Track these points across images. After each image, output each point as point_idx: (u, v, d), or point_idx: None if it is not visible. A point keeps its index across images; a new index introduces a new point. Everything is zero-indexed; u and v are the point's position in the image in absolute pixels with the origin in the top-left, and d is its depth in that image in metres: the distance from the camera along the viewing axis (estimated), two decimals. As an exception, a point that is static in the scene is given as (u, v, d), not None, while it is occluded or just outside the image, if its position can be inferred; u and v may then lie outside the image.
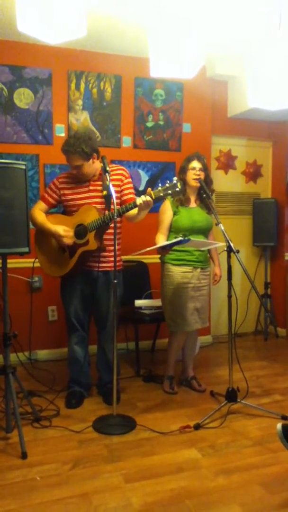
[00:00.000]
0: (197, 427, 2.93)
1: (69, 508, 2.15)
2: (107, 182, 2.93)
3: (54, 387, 3.50)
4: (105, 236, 3.15)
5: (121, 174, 3.27)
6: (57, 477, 2.40)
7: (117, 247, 3.15)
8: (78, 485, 2.33)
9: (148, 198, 2.90)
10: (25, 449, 2.57)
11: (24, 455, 2.56)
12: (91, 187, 3.22)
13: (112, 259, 2.98)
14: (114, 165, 3.38)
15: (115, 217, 2.90)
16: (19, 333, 2.85)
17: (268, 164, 5.45)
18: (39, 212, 3.27)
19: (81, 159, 3.10)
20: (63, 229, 3.12)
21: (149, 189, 2.95)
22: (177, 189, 2.88)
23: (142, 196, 2.92)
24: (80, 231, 3.12)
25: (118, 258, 3.22)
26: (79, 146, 3.06)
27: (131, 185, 3.33)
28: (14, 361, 2.93)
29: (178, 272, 3.40)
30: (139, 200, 2.92)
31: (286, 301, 5.22)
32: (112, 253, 2.98)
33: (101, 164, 3.15)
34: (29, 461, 2.54)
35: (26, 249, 2.70)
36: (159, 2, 2.78)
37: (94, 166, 3.18)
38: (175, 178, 2.92)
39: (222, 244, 3.32)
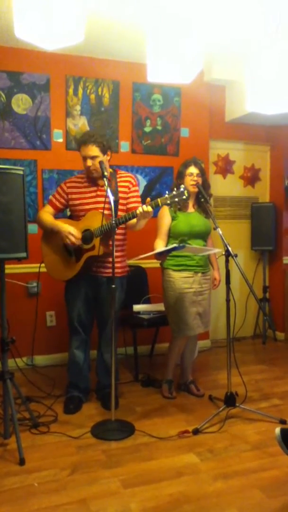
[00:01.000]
0: (196, 432, 2.93)
1: (67, 514, 2.14)
2: (105, 188, 2.96)
3: (52, 392, 3.49)
4: (111, 242, 3.15)
5: (129, 182, 3.30)
6: (55, 483, 2.40)
7: (122, 253, 3.21)
8: (76, 491, 2.32)
9: (149, 208, 2.91)
10: (23, 455, 2.57)
11: (22, 461, 2.55)
12: (99, 192, 3.23)
13: (117, 264, 3.04)
14: (123, 172, 3.41)
15: (115, 226, 2.91)
16: (17, 338, 2.85)
17: (266, 168, 5.46)
18: (47, 214, 3.30)
19: (98, 150, 3.14)
20: (73, 229, 3.13)
21: (148, 199, 2.96)
22: (184, 197, 2.89)
23: (143, 206, 2.93)
24: (87, 236, 3.13)
25: (121, 265, 3.25)
26: (99, 137, 3.15)
27: (137, 193, 3.34)
28: (12, 366, 2.92)
29: (179, 278, 3.40)
30: (139, 210, 2.93)
31: (284, 305, 5.22)
32: (117, 259, 3.07)
33: (111, 170, 3.20)
34: (27, 467, 2.53)
35: (24, 254, 2.70)
36: (158, 8, 2.79)
37: (106, 164, 3.20)
38: (182, 186, 2.92)
39: (218, 251, 3.32)
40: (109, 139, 3.26)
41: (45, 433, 2.93)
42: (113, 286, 2.91)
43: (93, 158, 3.14)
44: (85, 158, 3.16)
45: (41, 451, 2.72)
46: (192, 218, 3.46)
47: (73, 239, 3.11)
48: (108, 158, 3.21)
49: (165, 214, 3.44)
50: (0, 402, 2.93)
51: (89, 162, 3.14)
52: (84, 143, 3.15)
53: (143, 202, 2.99)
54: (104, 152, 3.17)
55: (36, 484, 2.38)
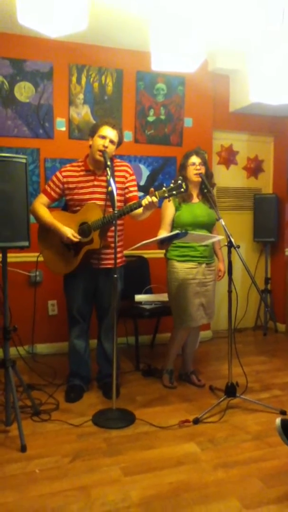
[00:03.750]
0: (196, 421, 2.94)
1: (68, 501, 2.16)
2: (108, 177, 2.92)
3: (53, 381, 3.51)
4: (108, 234, 3.15)
5: (125, 171, 3.27)
6: (56, 470, 2.42)
7: (119, 244, 3.16)
8: (77, 478, 2.34)
9: (154, 199, 2.89)
10: (24, 442, 2.59)
11: (23, 448, 2.57)
12: (95, 182, 3.21)
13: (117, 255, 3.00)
14: (118, 160, 3.37)
15: (117, 217, 2.90)
16: (19, 327, 2.86)
17: (270, 159, 5.44)
18: (43, 208, 3.23)
19: (117, 137, 3.16)
20: (71, 233, 3.10)
21: (152, 189, 2.94)
22: (182, 189, 2.87)
23: (148, 197, 2.91)
24: (84, 229, 3.11)
25: (120, 255, 3.24)
26: (120, 130, 3.20)
27: (135, 182, 3.32)
28: (14, 354, 2.93)
29: (182, 268, 3.40)
30: (145, 201, 2.91)
31: (286, 297, 5.22)
32: (117, 249, 3.01)
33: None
34: (28, 454, 2.55)
35: (26, 243, 2.70)
36: (161, -3, 2.76)
37: (113, 154, 3.21)
38: (180, 178, 2.90)
39: (222, 237, 3.31)
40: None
41: (46, 420, 2.94)
42: (115, 276, 2.91)
43: (111, 141, 3.12)
44: (103, 137, 3.11)
45: (43, 438, 2.74)
46: (196, 208, 3.45)
47: (72, 241, 3.11)
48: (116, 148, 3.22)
49: (169, 205, 3.43)
50: (2, 390, 2.95)
51: (106, 143, 3.11)
52: (112, 125, 3.14)
53: (142, 191, 2.97)
54: (120, 140, 3.20)
55: (37, 470, 2.40)
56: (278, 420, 2.27)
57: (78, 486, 2.27)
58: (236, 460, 2.53)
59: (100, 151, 3.08)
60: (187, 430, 2.86)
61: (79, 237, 3.10)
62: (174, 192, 2.89)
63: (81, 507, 2.11)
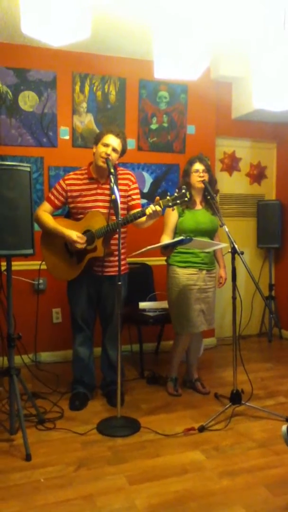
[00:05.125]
0: (202, 429, 2.93)
1: (73, 510, 2.15)
2: (112, 185, 2.93)
3: (58, 389, 3.50)
4: (111, 241, 3.15)
5: (128, 179, 3.28)
6: (61, 478, 2.41)
7: (122, 251, 3.16)
8: (82, 487, 2.33)
9: (158, 208, 2.90)
10: (29, 451, 2.58)
11: (28, 457, 2.56)
12: (99, 190, 3.22)
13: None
14: (121, 168, 3.38)
15: (121, 225, 2.90)
16: (23, 335, 2.86)
17: (273, 165, 5.44)
18: (46, 214, 3.24)
19: (121, 146, 3.17)
20: (76, 235, 3.09)
21: (157, 198, 2.95)
22: (186, 198, 2.88)
23: (152, 206, 2.92)
24: (88, 237, 3.12)
25: (123, 262, 3.24)
26: (124, 140, 3.21)
27: (138, 190, 3.33)
28: (18, 363, 2.93)
29: (183, 274, 3.40)
30: (149, 210, 2.92)
31: (290, 303, 5.21)
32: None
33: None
34: (33, 463, 2.54)
35: (30, 251, 2.71)
36: (163, 4, 2.78)
37: (116, 162, 3.22)
38: (184, 187, 2.91)
39: (226, 245, 3.32)
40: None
41: (51, 429, 2.94)
42: (119, 283, 2.91)
43: (114, 150, 3.13)
44: (106, 145, 3.12)
45: (47, 447, 2.73)
46: (198, 215, 3.46)
47: (79, 246, 3.09)
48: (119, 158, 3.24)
49: (172, 212, 3.43)
50: (6, 398, 2.94)
51: (109, 150, 3.11)
52: (116, 133, 3.16)
53: (146, 198, 2.97)
54: (123, 150, 3.21)
55: (42, 479, 2.39)
56: (284, 428, 2.25)
57: (83, 495, 2.26)
58: (241, 468, 2.51)
59: (102, 157, 3.10)
60: (192, 438, 2.85)
61: (84, 237, 3.10)
62: (178, 201, 2.90)
63: (86, 516, 2.11)
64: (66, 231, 3.12)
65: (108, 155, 3.10)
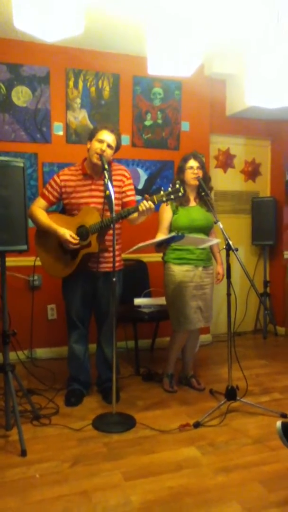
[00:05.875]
0: (197, 425, 2.93)
1: (69, 506, 2.14)
2: (106, 181, 2.92)
3: (53, 385, 3.50)
4: (106, 237, 3.14)
5: (123, 175, 3.27)
6: (57, 474, 2.40)
7: (117, 247, 3.15)
8: (78, 483, 2.32)
9: (151, 204, 2.90)
10: (24, 446, 2.57)
11: (23, 453, 2.55)
12: (93, 186, 3.21)
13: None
14: (115, 164, 3.37)
15: (115, 221, 2.89)
16: (18, 331, 2.85)
17: (267, 162, 5.45)
18: (41, 211, 3.23)
19: (115, 142, 3.16)
20: (69, 234, 3.08)
21: (147, 196, 2.95)
22: (180, 193, 2.88)
23: (144, 202, 2.92)
24: (82, 232, 3.11)
25: (118, 258, 3.23)
26: (119, 136, 3.20)
27: (132, 186, 3.32)
28: (13, 359, 2.92)
29: (179, 271, 3.40)
30: (141, 206, 2.92)
31: (285, 300, 5.22)
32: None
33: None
34: (28, 459, 2.53)
35: (24, 247, 2.69)
36: (158, 1, 2.78)
37: (110, 158, 3.21)
38: (178, 182, 2.91)
39: (219, 241, 3.32)
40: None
41: (46, 425, 2.93)
42: (114, 279, 2.91)
43: (109, 146, 3.12)
44: (101, 141, 3.11)
45: (43, 443, 2.72)
46: (193, 212, 3.46)
47: (71, 245, 3.08)
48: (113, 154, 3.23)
49: (166, 209, 3.43)
50: (2, 395, 2.93)
51: (104, 147, 3.11)
52: (110, 129, 3.15)
53: (140, 195, 2.97)
54: (118, 145, 3.20)
55: (37, 475, 2.39)
56: (278, 423, 2.26)
57: (79, 491, 2.26)
58: (237, 464, 2.51)
59: (97, 153, 3.09)
60: (188, 434, 2.85)
61: (77, 238, 3.09)
62: (172, 197, 2.90)
63: (82, 512, 2.10)
64: (59, 230, 3.11)
65: (103, 151, 3.09)
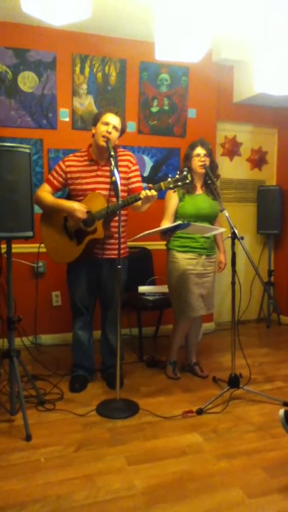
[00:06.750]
0: (200, 412, 2.95)
1: (74, 489, 2.17)
2: (112, 167, 2.91)
3: (58, 371, 3.53)
4: (112, 224, 3.14)
5: (128, 161, 3.25)
6: (61, 459, 2.43)
7: (123, 234, 3.15)
8: (82, 467, 2.36)
9: (153, 192, 2.90)
10: (29, 431, 2.60)
11: (28, 437, 2.59)
12: (99, 172, 3.20)
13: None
14: (121, 149, 3.35)
15: (120, 207, 2.88)
16: (23, 317, 2.87)
17: (273, 151, 5.41)
18: (46, 193, 3.23)
19: (120, 125, 3.15)
20: (77, 204, 3.09)
21: (150, 185, 2.95)
22: (187, 180, 2.87)
23: (147, 190, 2.91)
24: (88, 218, 3.11)
25: (124, 245, 3.23)
26: (123, 119, 3.20)
27: (138, 172, 3.31)
28: (18, 345, 2.94)
29: (182, 259, 3.40)
30: (143, 194, 2.91)
31: (289, 289, 5.22)
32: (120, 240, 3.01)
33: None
34: (33, 443, 2.57)
35: (30, 233, 2.69)
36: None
37: (116, 142, 3.20)
38: (185, 169, 2.90)
39: (224, 230, 3.31)
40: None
41: (51, 410, 2.96)
42: (119, 266, 2.91)
43: (114, 128, 3.11)
44: (106, 124, 3.09)
45: (47, 428, 2.75)
46: (199, 200, 3.44)
47: (80, 214, 3.07)
48: (119, 137, 3.21)
49: (173, 196, 3.42)
50: (7, 380, 2.96)
51: (110, 129, 3.09)
52: (115, 111, 3.15)
53: (146, 182, 2.96)
54: (123, 128, 3.18)
55: (42, 459, 2.42)
56: (281, 411, 2.28)
57: (83, 475, 2.29)
58: (239, 451, 2.54)
59: (103, 136, 3.07)
60: (191, 421, 2.88)
61: (85, 207, 3.08)
62: (179, 183, 2.89)
63: (86, 495, 2.13)
64: (66, 202, 3.13)
65: (109, 133, 3.07)
